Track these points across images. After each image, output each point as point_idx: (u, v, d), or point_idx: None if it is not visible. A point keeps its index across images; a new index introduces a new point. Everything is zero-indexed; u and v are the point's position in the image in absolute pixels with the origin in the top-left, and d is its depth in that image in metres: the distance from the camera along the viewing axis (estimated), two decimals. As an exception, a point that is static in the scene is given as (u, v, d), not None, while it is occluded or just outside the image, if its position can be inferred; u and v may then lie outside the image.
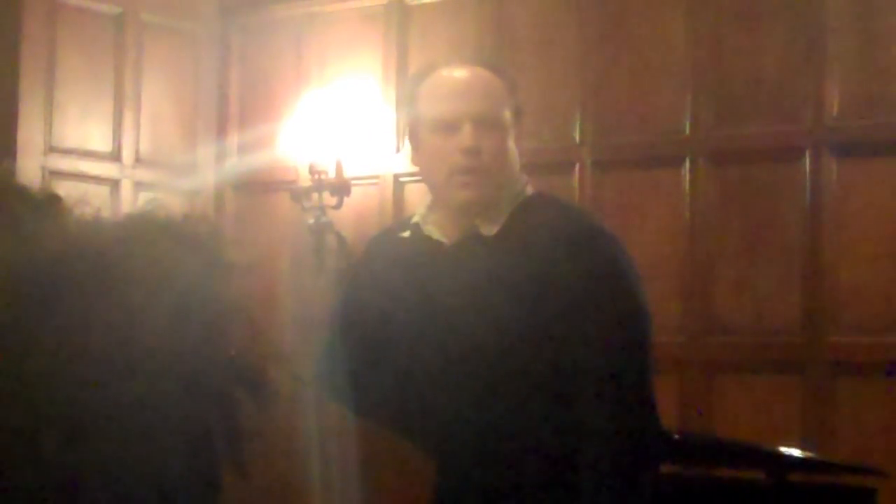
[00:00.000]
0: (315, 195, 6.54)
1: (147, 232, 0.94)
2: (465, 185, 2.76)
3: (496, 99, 2.76)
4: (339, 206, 6.50)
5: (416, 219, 2.85)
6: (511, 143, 2.78)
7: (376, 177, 6.38)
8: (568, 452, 2.62)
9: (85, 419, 0.86)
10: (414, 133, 2.83)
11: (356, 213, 6.53)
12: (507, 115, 2.76)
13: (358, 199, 6.51)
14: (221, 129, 7.18)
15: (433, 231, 2.81)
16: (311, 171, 6.51)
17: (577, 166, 6.15)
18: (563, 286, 2.62)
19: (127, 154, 6.84)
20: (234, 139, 7.15)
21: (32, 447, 0.86)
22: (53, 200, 0.93)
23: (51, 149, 6.56)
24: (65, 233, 0.92)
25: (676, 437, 4.25)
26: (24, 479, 0.86)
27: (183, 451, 0.91)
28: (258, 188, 7.03)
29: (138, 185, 6.83)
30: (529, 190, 2.81)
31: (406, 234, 2.84)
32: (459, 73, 2.80)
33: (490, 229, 2.74)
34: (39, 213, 0.92)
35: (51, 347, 0.86)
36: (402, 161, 5.97)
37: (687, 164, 5.90)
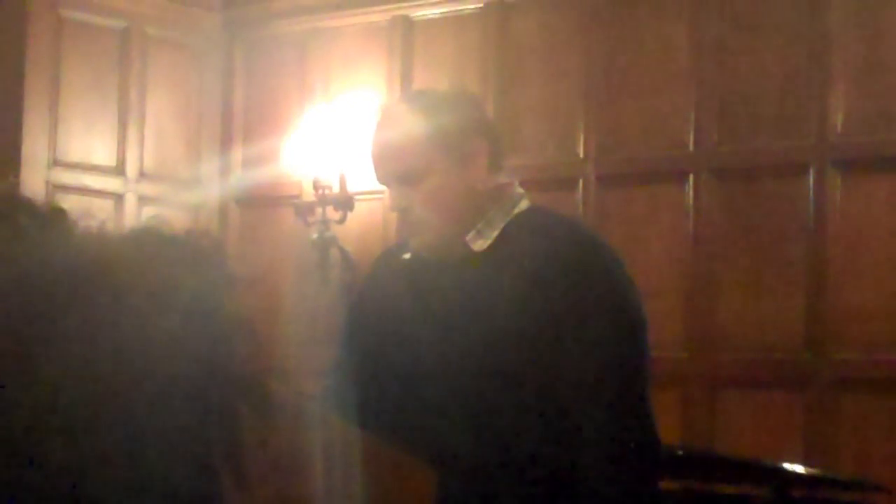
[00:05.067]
0: (319, 210, 6.55)
1: (151, 245, 0.94)
2: (412, 236, 2.81)
3: (416, 150, 2.73)
4: (342, 220, 6.50)
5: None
6: (451, 181, 2.74)
7: (380, 192, 6.37)
8: (567, 465, 2.63)
9: (88, 427, 0.87)
10: None
11: (360, 227, 6.54)
12: (437, 156, 2.73)
13: (362, 214, 6.51)
14: (225, 144, 7.19)
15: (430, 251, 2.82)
16: (315, 185, 6.51)
17: (582, 181, 6.16)
18: (557, 298, 2.62)
19: (131, 168, 6.85)
20: (238, 154, 7.16)
21: (38, 453, 0.86)
22: (58, 213, 0.93)
23: (55, 163, 6.58)
24: (69, 245, 0.92)
25: (679, 452, 4.25)
26: (30, 483, 0.86)
27: (185, 462, 0.91)
28: (262, 203, 7.04)
29: (142, 200, 6.84)
30: (525, 204, 2.81)
31: (407, 255, 2.85)
32: (379, 134, 2.79)
33: (481, 245, 2.75)
34: (45, 226, 0.92)
35: (55, 357, 0.87)
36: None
37: (691, 180, 5.91)
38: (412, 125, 2.74)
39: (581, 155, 6.20)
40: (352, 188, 6.48)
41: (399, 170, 2.75)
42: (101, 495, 0.87)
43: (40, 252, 0.90)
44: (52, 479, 0.86)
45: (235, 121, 7.21)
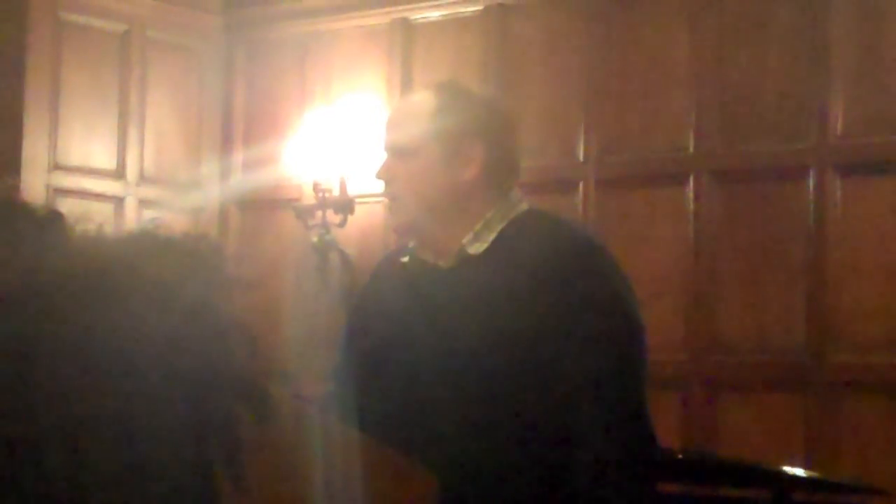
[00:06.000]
0: (319, 213, 6.55)
1: (148, 248, 0.94)
2: (390, 210, 2.92)
3: (415, 128, 2.78)
4: (343, 223, 6.50)
5: (413, 244, 2.88)
6: (434, 170, 2.77)
7: (380, 195, 6.36)
8: (565, 467, 2.63)
9: (86, 430, 0.87)
10: None
11: (360, 231, 6.54)
12: (431, 143, 2.76)
13: (362, 217, 6.52)
14: (226, 147, 7.20)
15: (428, 255, 2.83)
16: (316, 188, 6.52)
17: (582, 184, 6.16)
18: (554, 301, 2.63)
19: (131, 171, 6.85)
20: (238, 157, 7.16)
21: (35, 456, 0.86)
22: (56, 217, 0.93)
23: (55, 166, 6.58)
24: (67, 249, 0.92)
25: (679, 455, 4.25)
26: (27, 486, 0.86)
27: (183, 465, 0.91)
28: (262, 206, 7.04)
29: (142, 203, 6.84)
30: (523, 207, 2.81)
31: (405, 259, 2.86)
32: (396, 105, 2.90)
33: (477, 248, 2.75)
34: (42, 230, 0.92)
35: (52, 360, 0.87)
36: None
37: (691, 182, 5.91)
38: (422, 105, 2.81)
39: (581, 158, 6.20)
40: (352, 191, 6.48)
41: (393, 140, 2.83)
42: (99, 497, 0.87)
43: (37, 255, 0.90)
44: (49, 482, 0.86)
45: (236, 124, 7.22)
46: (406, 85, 6.58)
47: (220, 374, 0.93)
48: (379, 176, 2.85)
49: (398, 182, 2.81)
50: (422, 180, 2.78)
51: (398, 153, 2.80)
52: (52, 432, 0.86)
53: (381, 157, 2.88)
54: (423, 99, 2.84)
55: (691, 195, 5.90)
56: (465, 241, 2.75)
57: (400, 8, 6.74)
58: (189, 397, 0.91)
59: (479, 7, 6.52)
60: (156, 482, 0.89)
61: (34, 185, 6.39)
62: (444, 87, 2.89)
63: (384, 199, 2.98)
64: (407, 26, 6.73)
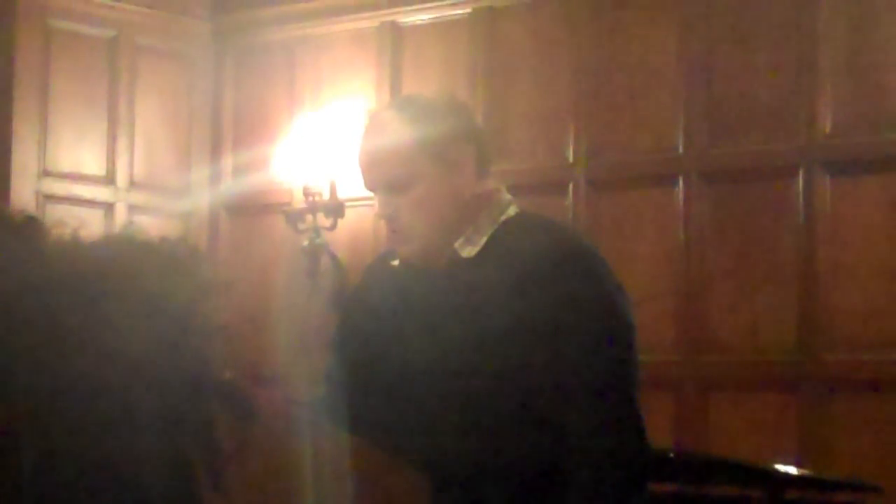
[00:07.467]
0: (309, 217, 6.54)
1: (125, 253, 0.94)
2: (397, 243, 2.82)
3: (402, 158, 2.74)
4: (333, 227, 6.50)
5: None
6: (439, 188, 2.75)
7: (370, 198, 6.34)
8: (557, 470, 2.63)
9: (63, 437, 0.87)
10: None
11: (350, 234, 6.53)
12: (423, 163, 2.74)
13: (352, 220, 6.51)
14: (215, 152, 7.19)
15: (418, 260, 2.83)
16: (306, 192, 6.51)
17: (572, 186, 6.16)
18: (544, 304, 2.63)
19: (121, 177, 6.85)
20: (228, 161, 7.16)
21: (11, 462, 0.86)
22: (31, 223, 0.93)
23: (45, 173, 6.57)
24: (42, 255, 0.92)
25: (672, 455, 4.25)
26: (5, 487, 0.86)
27: (162, 468, 0.91)
28: (252, 210, 7.04)
29: (132, 209, 6.84)
30: (513, 210, 2.81)
31: (396, 262, 2.86)
32: (366, 141, 2.81)
33: (469, 251, 2.75)
34: (17, 236, 0.92)
35: (28, 367, 0.86)
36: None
37: (681, 183, 5.91)
38: (399, 132, 2.76)
39: (571, 159, 6.20)
40: (342, 195, 6.47)
41: (386, 177, 2.76)
42: (77, 500, 0.87)
43: (12, 262, 0.90)
44: (26, 485, 0.86)
45: (225, 129, 7.21)
46: (395, 88, 6.58)
47: (199, 377, 0.93)
48: (382, 215, 2.80)
49: (404, 215, 2.76)
50: (429, 204, 2.75)
51: (397, 188, 2.75)
52: (28, 438, 0.86)
53: (375, 195, 2.81)
54: (393, 125, 2.77)
55: (681, 196, 5.91)
56: (457, 244, 2.76)
57: (388, 11, 6.74)
58: (168, 401, 0.91)
59: (468, 10, 6.53)
60: (133, 484, 0.89)
61: (24, 191, 6.38)
62: (406, 104, 2.87)
63: (388, 230, 2.89)
64: (395, 30, 6.73)
